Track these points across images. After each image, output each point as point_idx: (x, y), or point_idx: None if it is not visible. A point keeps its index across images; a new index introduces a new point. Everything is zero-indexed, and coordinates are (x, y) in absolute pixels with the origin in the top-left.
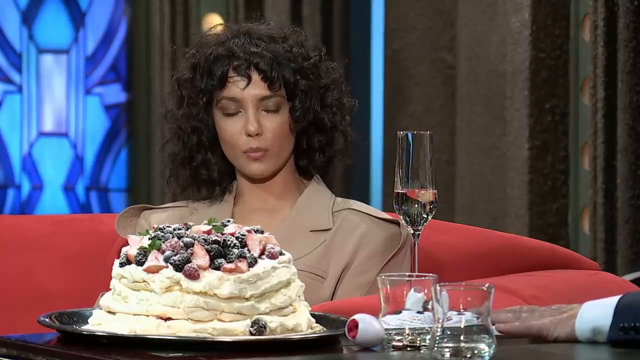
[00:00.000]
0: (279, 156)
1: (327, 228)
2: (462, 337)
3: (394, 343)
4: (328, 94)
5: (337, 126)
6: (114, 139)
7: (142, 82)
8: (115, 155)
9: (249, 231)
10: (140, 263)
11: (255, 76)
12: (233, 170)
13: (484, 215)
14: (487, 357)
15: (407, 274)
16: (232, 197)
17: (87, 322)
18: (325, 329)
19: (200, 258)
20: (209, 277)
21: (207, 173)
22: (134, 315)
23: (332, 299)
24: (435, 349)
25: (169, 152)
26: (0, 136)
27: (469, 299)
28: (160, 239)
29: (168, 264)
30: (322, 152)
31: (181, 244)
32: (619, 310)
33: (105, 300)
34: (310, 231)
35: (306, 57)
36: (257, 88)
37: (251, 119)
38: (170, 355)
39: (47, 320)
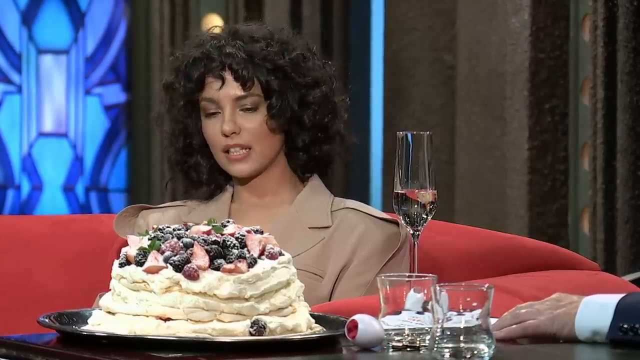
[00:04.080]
0: (262, 155)
1: (326, 226)
2: (461, 338)
3: (394, 343)
4: (309, 92)
5: (322, 125)
6: (113, 139)
7: (141, 82)
8: (114, 156)
9: (248, 232)
10: (139, 263)
11: (229, 77)
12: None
13: (484, 216)
14: (487, 358)
15: (407, 274)
16: (230, 195)
17: (87, 323)
18: (324, 329)
19: (200, 258)
20: (209, 278)
21: (196, 176)
22: (134, 315)
23: (330, 299)
24: (435, 349)
25: (167, 158)
26: (0, 136)
27: (468, 299)
28: (160, 240)
29: (167, 265)
30: (306, 151)
31: (181, 244)
32: (619, 310)
33: (105, 300)
34: (309, 228)
35: (284, 56)
36: (231, 88)
37: (226, 119)
38: (170, 355)
39: (47, 320)
